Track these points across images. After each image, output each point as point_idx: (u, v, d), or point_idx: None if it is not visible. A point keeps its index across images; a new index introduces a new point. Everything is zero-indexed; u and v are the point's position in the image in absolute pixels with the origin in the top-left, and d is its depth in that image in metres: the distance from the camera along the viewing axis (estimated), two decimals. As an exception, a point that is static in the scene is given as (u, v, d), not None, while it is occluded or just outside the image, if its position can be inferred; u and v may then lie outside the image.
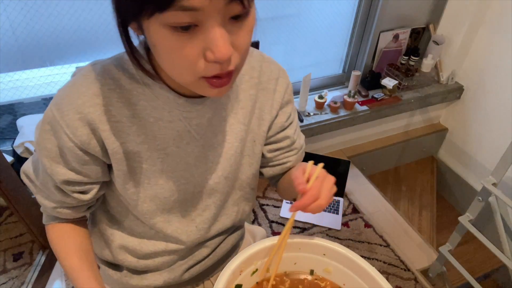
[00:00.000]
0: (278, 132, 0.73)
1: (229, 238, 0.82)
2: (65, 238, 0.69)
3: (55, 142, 0.57)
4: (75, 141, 0.55)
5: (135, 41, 0.51)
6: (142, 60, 0.53)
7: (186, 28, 0.43)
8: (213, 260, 0.81)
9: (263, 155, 0.74)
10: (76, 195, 0.62)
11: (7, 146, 1.55)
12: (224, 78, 0.49)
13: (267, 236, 1.02)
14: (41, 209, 0.72)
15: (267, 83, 0.69)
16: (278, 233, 0.77)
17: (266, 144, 0.74)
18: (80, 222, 0.72)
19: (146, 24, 0.45)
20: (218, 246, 0.79)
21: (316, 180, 0.60)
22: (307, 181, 0.60)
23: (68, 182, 0.60)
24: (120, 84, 0.56)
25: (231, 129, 0.66)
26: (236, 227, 0.84)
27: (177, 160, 0.63)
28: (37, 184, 0.66)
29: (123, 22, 0.47)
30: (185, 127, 0.61)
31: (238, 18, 0.45)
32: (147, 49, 0.54)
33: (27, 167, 0.67)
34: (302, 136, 0.80)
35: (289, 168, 0.78)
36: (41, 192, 0.67)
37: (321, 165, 0.62)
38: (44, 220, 0.73)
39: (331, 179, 0.62)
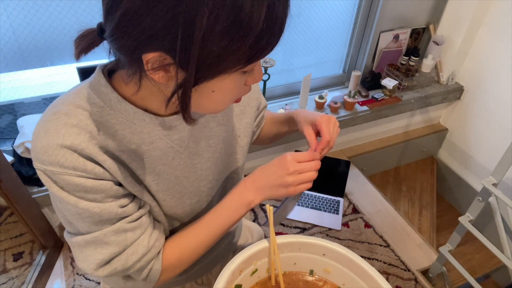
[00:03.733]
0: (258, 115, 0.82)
1: (225, 235, 0.82)
2: (179, 242, 0.66)
3: (73, 198, 0.52)
4: (90, 175, 0.52)
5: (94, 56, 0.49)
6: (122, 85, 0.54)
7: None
8: (210, 256, 0.82)
9: None
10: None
11: (7, 146, 1.55)
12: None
13: (264, 234, 1.03)
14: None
15: None
16: (278, 233, 0.77)
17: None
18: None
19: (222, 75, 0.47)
20: (216, 243, 0.79)
21: (325, 129, 0.68)
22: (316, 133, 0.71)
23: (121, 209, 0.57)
24: (92, 119, 0.52)
25: (212, 133, 0.67)
26: None
27: (167, 177, 0.62)
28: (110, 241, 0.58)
29: (203, 77, 0.46)
30: (167, 143, 0.60)
31: None
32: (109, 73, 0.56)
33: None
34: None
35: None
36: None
37: (324, 117, 0.70)
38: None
39: (334, 121, 0.71)
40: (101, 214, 0.54)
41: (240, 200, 0.64)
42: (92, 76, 0.55)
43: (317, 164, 0.64)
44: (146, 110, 0.56)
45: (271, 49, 0.47)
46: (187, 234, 0.65)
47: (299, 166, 0.63)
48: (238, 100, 0.57)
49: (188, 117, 0.50)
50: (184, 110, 0.48)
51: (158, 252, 0.62)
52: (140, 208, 0.60)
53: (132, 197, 0.60)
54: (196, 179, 0.66)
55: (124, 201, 0.57)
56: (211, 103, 0.52)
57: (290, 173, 0.62)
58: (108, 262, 0.57)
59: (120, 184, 0.57)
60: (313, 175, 0.64)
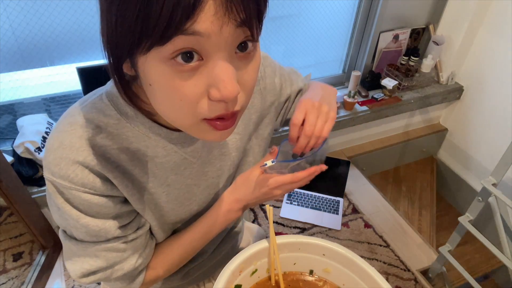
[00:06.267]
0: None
1: (228, 237, 0.82)
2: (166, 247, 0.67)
3: (75, 212, 0.52)
4: (98, 192, 0.52)
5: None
6: (135, 99, 0.49)
7: (188, 61, 0.39)
8: (213, 260, 0.81)
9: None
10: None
11: (7, 146, 1.55)
12: (228, 120, 0.45)
13: (264, 234, 1.03)
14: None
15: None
16: (278, 233, 0.77)
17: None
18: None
19: (141, 61, 0.40)
20: (217, 246, 0.80)
21: (307, 119, 0.62)
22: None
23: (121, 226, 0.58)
24: (108, 131, 0.51)
25: (225, 142, 0.66)
26: (234, 225, 0.84)
27: (178, 187, 0.62)
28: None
29: (117, 62, 0.42)
30: (180, 156, 0.59)
31: (244, 50, 0.42)
32: (125, 86, 0.47)
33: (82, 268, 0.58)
34: (294, 76, 0.77)
35: None
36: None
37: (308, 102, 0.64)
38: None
39: (318, 108, 0.63)
40: (98, 232, 0.54)
41: (227, 220, 0.66)
42: (109, 84, 0.54)
43: (303, 180, 0.62)
44: (159, 123, 0.54)
45: (173, 24, 0.36)
46: (172, 250, 0.66)
47: (286, 190, 0.63)
48: (222, 138, 0.48)
49: (145, 112, 0.50)
50: (130, 99, 0.47)
51: (144, 268, 0.64)
52: (138, 228, 0.61)
53: (134, 215, 0.60)
54: (207, 187, 0.66)
55: (125, 220, 0.58)
56: (160, 104, 0.45)
57: (276, 187, 0.62)
58: (93, 273, 0.58)
59: (125, 201, 0.57)
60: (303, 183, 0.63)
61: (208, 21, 0.36)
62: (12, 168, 1.35)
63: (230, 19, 0.37)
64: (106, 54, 0.42)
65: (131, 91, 0.48)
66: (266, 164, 0.60)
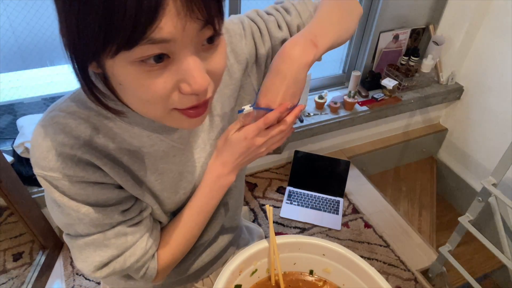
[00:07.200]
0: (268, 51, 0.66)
1: (224, 229, 0.82)
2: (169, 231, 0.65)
3: (74, 203, 0.52)
4: (91, 180, 0.52)
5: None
6: (104, 96, 0.48)
7: (157, 61, 0.40)
8: (211, 256, 0.81)
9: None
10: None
11: (7, 146, 1.55)
12: (201, 107, 0.46)
13: (264, 234, 1.03)
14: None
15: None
16: (278, 233, 0.77)
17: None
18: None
19: (109, 63, 0.40)
20: (213, 238, 0.79)
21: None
22: None
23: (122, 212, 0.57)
24: (91, 122, 0.52)
25: (210, 126, 0.65)
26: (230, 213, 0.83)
27: (171, 175, 0.62)
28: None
29: (81, 63, 0.42)
30: (168, 144, 0.59)
31: (211, 42, 0.43)
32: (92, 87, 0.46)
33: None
34: (275, 23, 0.65)
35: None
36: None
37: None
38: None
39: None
40: (102, 219, 0.54)
41: (220, 186, 0.63)
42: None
43: (286, 125, 0.58)
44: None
45: (138, 26, 0.35)
46: (175, 231, 0.65)
47: (266, 135, 0.57)
48: (196, 124, 0.49)
49: (111, 109, 0.48)
50: (89, 95, 0.45)
51: (155, 252, 0.63)
52: (142, 211, 0.60)
53: (134, 199, 0.59)
54: (202, 172, 0.66)
55: (126, 205, 0.57)
56: (130, 100, 0.46)
57: (256, 135, 0.57)
58: (106, 264, 0.57)
59: (121, 187, 0.56)
60: (286, 131, 0.59)
61: (172, 24, 0.37)
62: (12, 168, 1.35)
63: (193, 18, 0.38)
64: (68, 55, 0.41)
65: (99, 91, 0.47)
66: (243, 110, 0.55)
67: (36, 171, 0.51)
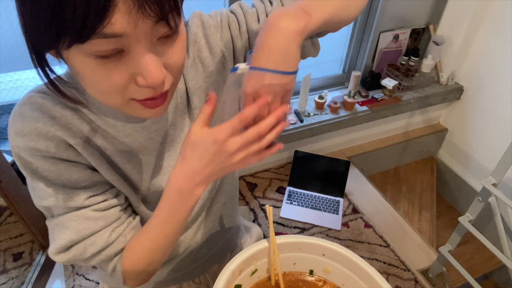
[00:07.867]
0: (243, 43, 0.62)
1: (222, 230, 0.81)
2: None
3: (43, 182, 0.52)
4: (63, 157, 0.52)
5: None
6: (65, 84, 0.49)
7: (111, 55, 0.40)
8: (207, 255, 0.81)
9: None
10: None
11: (7, 146, 1.55)
12: (158, 98, 0.46)
13: (263, 233, 1.03)
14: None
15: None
16: (278, 233, 0.77)
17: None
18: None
19: (65, 54, 0.41)
20: (209, 238, 0.79)
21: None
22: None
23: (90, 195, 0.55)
24: (66, 104, 0.52)
25: (191, 117, 0.63)
26: (226, 214, 0.82)
27: (150, 167, 0.61)
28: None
29: (37, 51, 0.42)
30: (145, 136, 0.57)
31: (167, 37, 0.42)
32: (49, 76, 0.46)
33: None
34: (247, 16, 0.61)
35: None
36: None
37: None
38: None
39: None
40: (68, 199, 0.53)
41: (182, 204, 0.53)
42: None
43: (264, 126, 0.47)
44: None
45: (88, 19, 0.35)
46: (141, 238, 0.58)
47: (242, 138, 0.47)
48: (156, 114, 0.48)
49: (70, 99, 0.49)
50: (48, 86, 0.46)
51: (121, 249, 0.58)
52: (110, 199, 0.57)
53: (107, 186, 0.57)
54: None
55: (97, 190, 0.55)
56: (89, 89, 0.46)
57: (234, 152, 0.48)
58: (67, 249, 0.55)
59: (95, 170, 0.56)
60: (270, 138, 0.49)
61: (124, 21, 0.37)
62: (12, 168, 1.35)
63: (145, 15, 0.38)
64: (26, 43, 0.42)
65: (59, 79, 0.47)
66: (237, 68, 0.46)
67: (12, 148, 0.52)
